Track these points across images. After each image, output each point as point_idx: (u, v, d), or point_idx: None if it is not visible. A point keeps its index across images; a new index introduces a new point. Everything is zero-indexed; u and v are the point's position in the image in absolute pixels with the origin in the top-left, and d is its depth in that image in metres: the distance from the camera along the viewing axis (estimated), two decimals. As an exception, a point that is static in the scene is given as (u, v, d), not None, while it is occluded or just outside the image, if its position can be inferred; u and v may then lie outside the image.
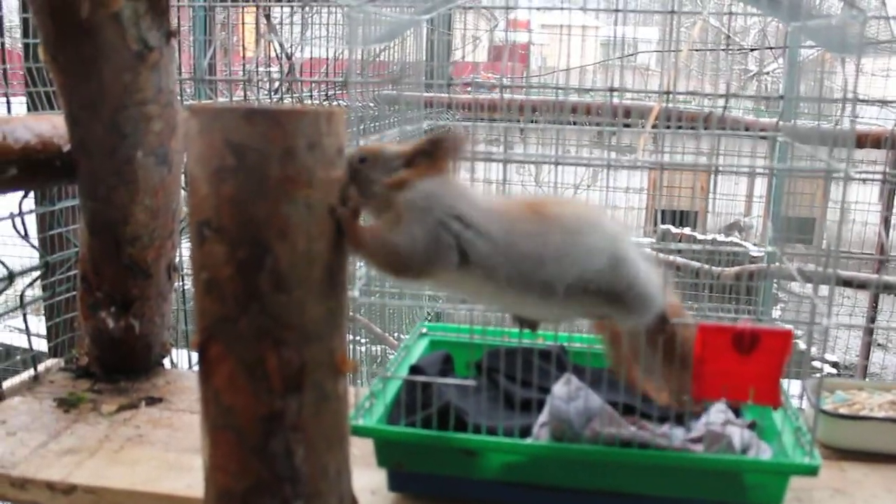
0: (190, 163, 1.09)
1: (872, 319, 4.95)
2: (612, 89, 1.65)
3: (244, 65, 3.21)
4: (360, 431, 1.36)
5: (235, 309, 1.09)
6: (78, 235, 1.86)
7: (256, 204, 1.05)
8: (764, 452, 1.38)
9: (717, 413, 1.43)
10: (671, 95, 1.82)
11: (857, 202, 5.91)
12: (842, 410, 1.66)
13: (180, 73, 2.33)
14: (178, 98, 1.61)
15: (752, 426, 1.47)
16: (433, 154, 1.18)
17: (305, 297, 1.10)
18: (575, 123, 1.85)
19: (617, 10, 1.63)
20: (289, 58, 3.19)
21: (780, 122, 1.61)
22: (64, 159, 1.63)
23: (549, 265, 1.17)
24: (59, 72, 1.45)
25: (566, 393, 1.37)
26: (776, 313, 5.38)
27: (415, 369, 1.57)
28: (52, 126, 1.64)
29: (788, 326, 1.24)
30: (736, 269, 2.57)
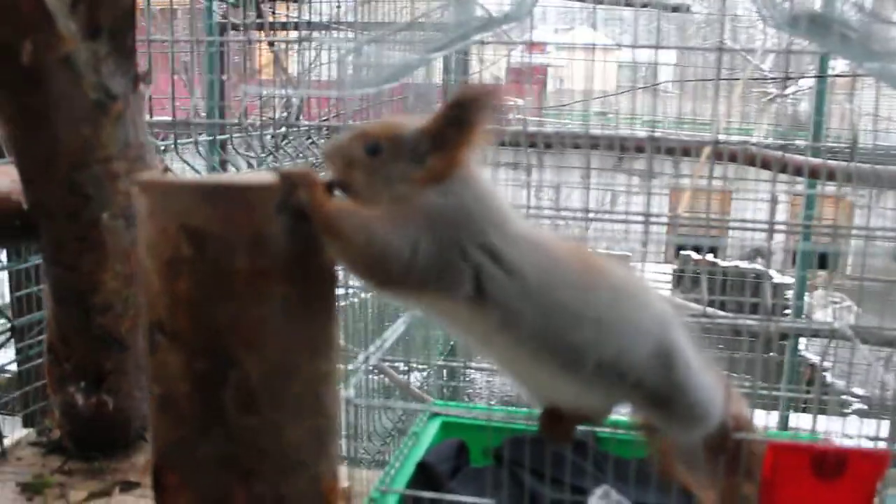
0: (140, 249, 0.88)
1: None
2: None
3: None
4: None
5: (194, 432, 0.88)
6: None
7: (218, 305, 0.84)
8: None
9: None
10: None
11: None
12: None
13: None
14: (154, 149, 1.40)
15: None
16: (464, 122, 0.87)
17: (282, 417, 0.88)
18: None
19: (657, 48, 1.42)
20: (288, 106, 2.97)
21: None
22: (25, 218, 1.42)
23: (586, 327, 0.90)
24: (6, 123, 1.24)
25: (604, 511, 1.15)
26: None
27: (423, 468, 1.34)
28: (12, 180, 1.43)
29: (882, 446, 1.00)
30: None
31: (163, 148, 2.34)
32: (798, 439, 1.26)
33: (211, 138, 2.60)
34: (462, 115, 0.87)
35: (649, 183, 1.55)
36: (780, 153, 1.40)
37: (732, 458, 1.04)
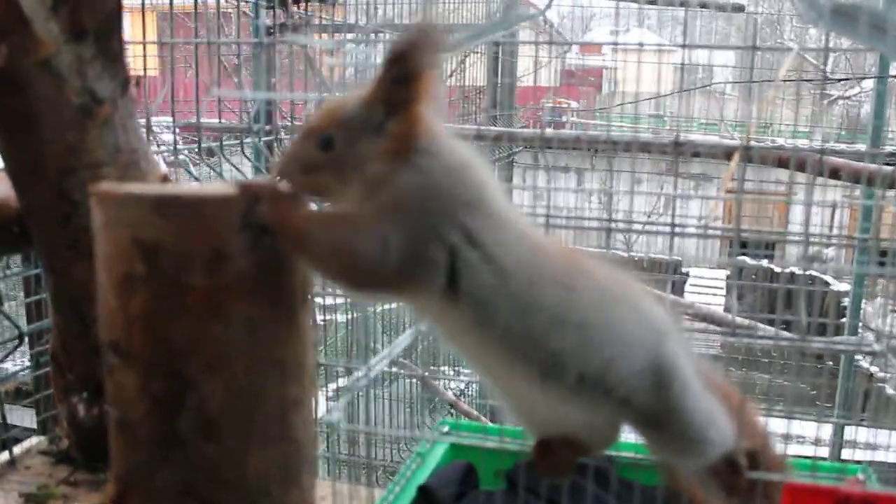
0: (97, 264, 0.82)
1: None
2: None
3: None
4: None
5: (153, 458, 0.82)
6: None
7: (174, 324, 0.77)
8: None
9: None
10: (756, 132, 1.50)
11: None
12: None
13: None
14: (150, 155, 1.35)
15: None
16: (409, 75, 0.79)
17: (246, 445, 0.82)
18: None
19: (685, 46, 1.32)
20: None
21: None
22: (22, 225, 1.39)
23: (568, 332, 0.81)
24: (-6, 126, 1.21)
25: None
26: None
27: (424, 492, 1.26)
28: (11, 186, 1.40)
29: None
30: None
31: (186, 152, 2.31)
32: (821, 472, 1.16)
33: (255, 141, 2.56)
34: (405, 69, 0.79)
35: (675, 190, 1.46)
36: (816, 155, 1.29)
37: (747, 497, 0.95)
